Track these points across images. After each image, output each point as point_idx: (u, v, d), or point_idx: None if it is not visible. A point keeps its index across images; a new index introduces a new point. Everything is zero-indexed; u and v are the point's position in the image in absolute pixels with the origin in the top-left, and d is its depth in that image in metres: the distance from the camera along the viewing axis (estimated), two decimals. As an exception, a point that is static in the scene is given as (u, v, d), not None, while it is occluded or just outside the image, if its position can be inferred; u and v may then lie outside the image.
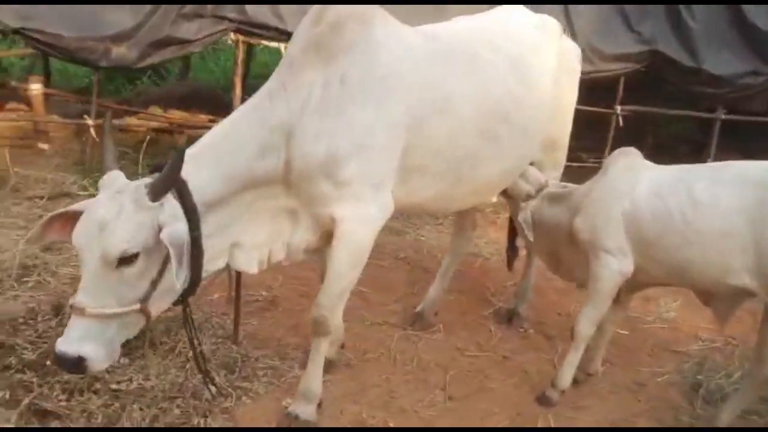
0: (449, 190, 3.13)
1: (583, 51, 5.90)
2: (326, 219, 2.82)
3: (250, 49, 7.37)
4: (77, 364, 2.36)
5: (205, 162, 2.58)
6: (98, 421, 2.78)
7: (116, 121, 6.76)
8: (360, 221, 2.83)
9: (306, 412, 3.00)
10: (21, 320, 3.30)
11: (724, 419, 3.13)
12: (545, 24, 3.52)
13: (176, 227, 2.37)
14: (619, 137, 6.91)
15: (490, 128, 3.06)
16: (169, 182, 2.38)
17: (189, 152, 2.53)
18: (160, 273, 2.45)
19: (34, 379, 2.90)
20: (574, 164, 6.81)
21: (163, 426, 2.83)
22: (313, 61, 2.71)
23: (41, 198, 5.32)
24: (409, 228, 5.75)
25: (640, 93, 7.06)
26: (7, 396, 2.77)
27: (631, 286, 3.35)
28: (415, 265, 5.00)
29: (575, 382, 3.55)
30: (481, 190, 3.33)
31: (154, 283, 2.45)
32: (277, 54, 6.94)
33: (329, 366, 3.46)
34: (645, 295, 4.73)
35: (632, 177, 3.15)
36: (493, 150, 3.11)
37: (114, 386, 2.98)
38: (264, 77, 2.99)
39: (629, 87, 6.90)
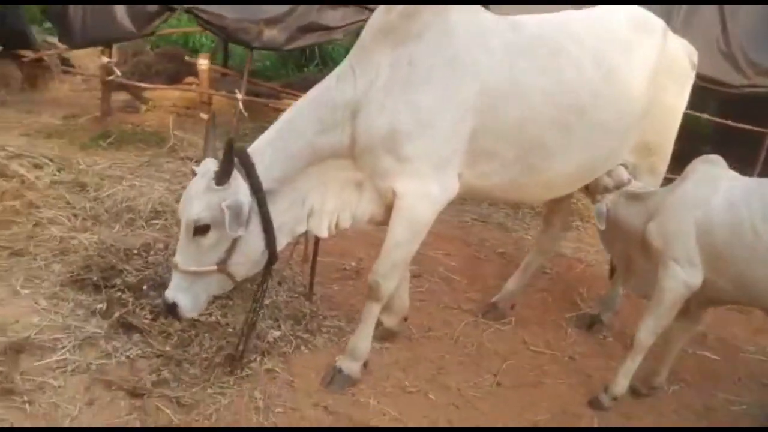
0: (520, 178, 3.20)
1: (736, 62, 5.66)
2: (388, 192, 3.03)
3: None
4: (171, 309, 2.86)
5: (272, 145, 2.94)
6: (173, 341, 3.19)
7: (274, 103, 7.37)
8: (419, 197, 3.00)
9: (350, 368, 3.22)
10: (135, 251, 3.83)
11: None
12: (644, 23, 3.41)
13: (235, 199, 2.76)
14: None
15: (563, 119, 3.09)
16: (223, 170, 2.77)
17: (262, 137, 2.96)
18: (234, 243, 2.86)
19: (131, 299, 3.37)
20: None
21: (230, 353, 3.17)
22: (383, 46, 2.92)
23: (191, 159, 5.97)
24: (517, 226, 5.76)
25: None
26: (104, 308, 3.27)
27: (702, 300, 3.20)
28: (512, 261, 5.00)
29: (637, 394, 3.48)
30: (554, 182, 3.35)
31: (229, 252, 2.86)
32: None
33: (390, 335, 3.69)
34: (757, 325, 4.48)
35: (710, 186, 3.03)
36: (565, 141, 3.14)
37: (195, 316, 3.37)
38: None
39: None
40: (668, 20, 5.61)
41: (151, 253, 3.87)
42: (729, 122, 6.52)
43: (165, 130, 6.66)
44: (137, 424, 2.71)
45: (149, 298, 3.40)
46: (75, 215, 4.29)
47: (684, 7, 5.83)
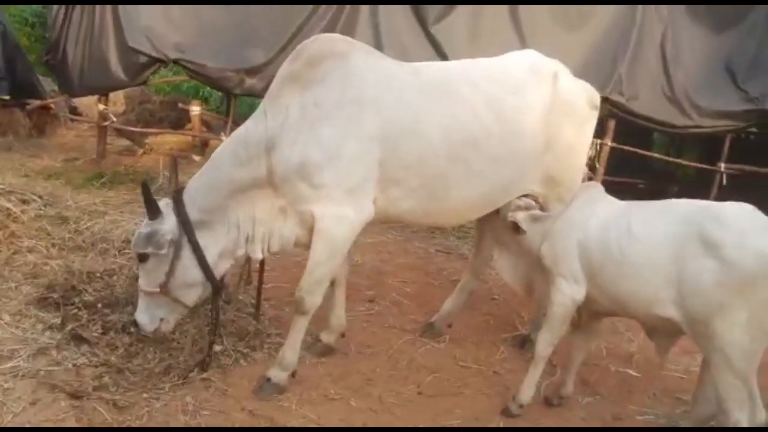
0: (425, 205, 3.57)
1: (680, 105, 6.01)
2: (308, 216, 3.42)
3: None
4: (136, 325, 3.45)
5: (199, 180, 3.46)
6: (119, 352, 3.55)
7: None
8: (335, 219, 3.39)
9: (278, 376, 3.54)
10: (98, 274, 4.23)
11: None
12: (537, 70, 3.78)
13: (159, 231, 3.34)
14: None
15: (459, 153, 3.47)
16: (149, 208, 3.36)
17: (195, 175, 3.50)
18: (172, 268, 3.36)
19: (85, 315, 3.76)
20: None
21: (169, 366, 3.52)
22: (291, 90, 3.37)
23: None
24: (478, 258, 6.05)
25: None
26: (59, 322, 3.65)
27: (590, 313, 3.49)
28: (464, 289, 5.31)
29: (549, 404, 3.74)
30: (459, 208, 3.70)
31: (168, 275, 3.36)
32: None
33: (327, 351, 4.02)
34: (686, 347, 4.70)
35: (589, 209, 3.35)
36: (464, 172, 3.51)
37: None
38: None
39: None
40: (613, 68, 6.07)
41: (114, 277, 4.27)
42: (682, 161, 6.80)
43: (158, 171, 7.15)
44: (73, 423, 3.05)
45: (102, 315, 3.78)
46: (53, 245, 4.73)
47: (628, 55, 6.22)
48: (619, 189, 7.40)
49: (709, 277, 2.80)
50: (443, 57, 6.19)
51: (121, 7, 6.36)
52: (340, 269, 3.99)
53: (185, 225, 3.37)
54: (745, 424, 2.78)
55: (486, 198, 3.68)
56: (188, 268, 3.42)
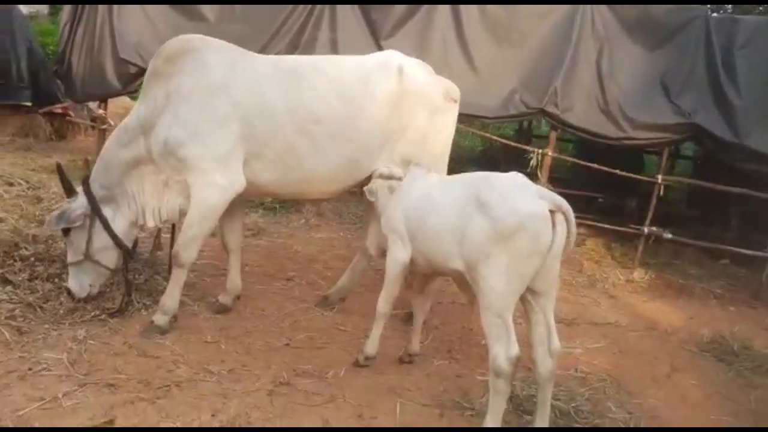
0: (282, 175, 4.21)
1: (613, 118, 6.44)
2: (184, 185, 4.12)
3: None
4: (68, 292, 4.21)
5: (97, 163, 4.27)
6: (37, 295, 4.26)
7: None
8: (205, 185, 4.08)
9: (160, 320, 4.19)
10: (43, 238, 4.97)
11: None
12: (384, 64, 4.37)
13: (69, 208, 4.13)
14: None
15: (304, 128, 4.12)
16: (64, 188, 4.23)
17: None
18: (89, 237, 4.16)
19: (18, 265, 4.51)
20: (611, 227, 7.11)
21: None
22: (157, 83, 4.13)
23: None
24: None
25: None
26: (-5, 269, 4.43)
27: (419, 276, 4.01)
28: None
29: (401, 361, 4.24)
30: (313, 180, 4.30)
31: (87, 244, 4.14)
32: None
33: (224, 309, 4.68)
34: (572, 332, 5.12)
35: (413, 184, 3.89)
36: (310, 145, 4.14)
37: (63, 282, 4.44)
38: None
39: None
40: (549, 82, 6.55)
41: (52, 242, 4.99)
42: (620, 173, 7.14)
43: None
44: (-20, 339, 3.77)
45: (32, 266, 4.54)
46: (21, 217, 5.53)
47: (563, 70, 6.69)
48: (578, 202, 7.86)
49: (480, 231, 3.27)
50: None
51: (116, 23, 7.25)
52: (234, 240, 4.66)
53: (91, 200, 4.16)
54: (502, 357, 3.23)
55: (337, 171, 4.27)
56: (101, 236, 4.21)
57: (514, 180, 3.43)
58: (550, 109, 6.76)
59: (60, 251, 4.76)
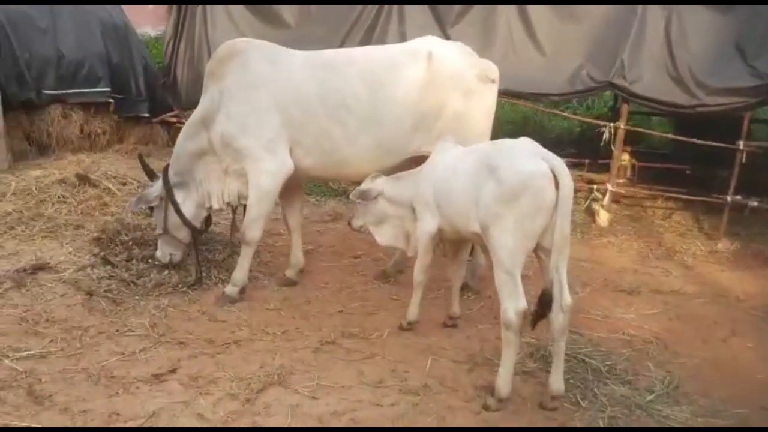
0: (321, 159, 4.66)
1: (684, 86, 6.39)
2: (242, 172, 4.67)
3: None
4: (156, 259, 4.97)
5: (173, 152, 4.91)
6: (131, 272, 4.98)
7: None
8: (258, 171, 4.61)
9: (231, 291, 4.77)
10: (142, 226, 5.73)
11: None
12: (413, 49, 4.66)
13: (147, 192, 4.89)
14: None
15: (335, 114, 4.52)
16: (147, 174, 5.01)
17: None
18: (165, 216, 4.87)
19: (119, 248, 5.28)
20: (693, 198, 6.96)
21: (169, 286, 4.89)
22: (212, 83, 4.70)
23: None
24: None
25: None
26: (98, 250, 5.21)
27: (449, 244, 4.30)
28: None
29: (445, 325, 4.56)
30: (350, 162, 4.68)
31: (165, 221, 4.86)
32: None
33: (289, 282, 5.19)
34: (631, 299, 5.18)
35: (440, 156, 4.16)
36: (341, 131, 4.54)
37: (155, 262, 5.15)
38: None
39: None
40: (615, 55, 6.56)
41: (152, 228, 5.74)
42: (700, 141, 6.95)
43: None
44: (82, 308, 4.49)
45: (130, 249, 5.28)
46: (132, 212, 6.36)
47: (629, 42, 6.64)
48: (666, 176, 7.72)
49: (491, 193, 3.50)
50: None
51: (210, 34, 8.03)
52: (294, 220, 5.17)
53: (166, 185, 4.84)
54: (511, 311, 3.46)
55: (371, 154, 4.63)
56: (173, 216, 4.90)
57: (520, 145, 3.65)
58: (618, 81, 6.73)
59: (154, 237, 5.48)
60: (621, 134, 7.02)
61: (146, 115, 9.82)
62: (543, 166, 3.44)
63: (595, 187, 7.48)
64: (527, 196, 3.41)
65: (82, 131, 8.92)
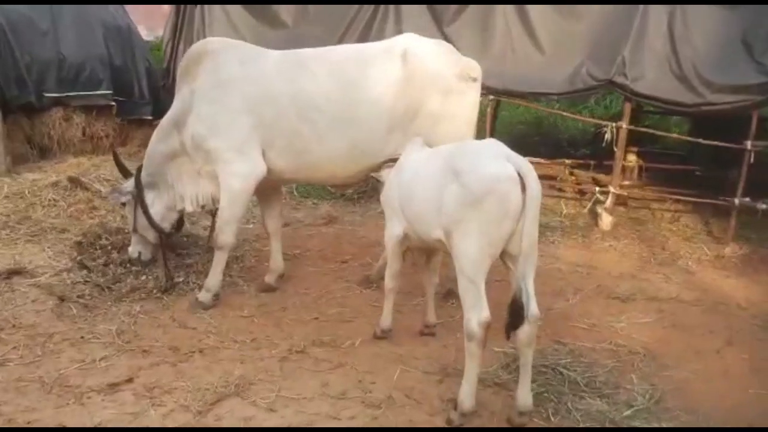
0: (294, 161, 4.52)
1: (689, 83, 6.14)
2: (214, 174, 4.56)
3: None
4: (131, 258, 4.91)
5: (146, 152, 4.80)
6: (107, 277, 4.90)
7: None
8: (230, 174, 4.50)
9: (203, 297, 4.66)
10: (125, 230, 5.64)
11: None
12: (389, 48, 4.50)
13: (122, 187, 4.85)
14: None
15: (305, 114, 4.37)
16: (119, 169, 4.96)
17: None
18: (135, 216, 4.84)
19: (98, 252, 5.20)
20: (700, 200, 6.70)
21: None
22: (184, 82, 4.60)
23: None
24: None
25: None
26: (76, 255, 5.14)
27: (419, 251, 4.15)
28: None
29: (421, 333, 4.38)
30: (323, 164, 4.54)
31: (134, 220, 4.83)
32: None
33: (268, 288, 5.05)
34: (624, 307, 4.96)
35: (406, 157, 4.00)
36: (313, 130, 4.39)
37: (133, 266, 5.07)
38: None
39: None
40: (617, 50, 6.34)
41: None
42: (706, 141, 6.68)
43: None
44: (51, 314, 4.41)
45: (108, 253, 5.20)
46: (122, 216, 6.29)
47: (631, 38, 6.39)
48: (678, 177, 7.45)
49: (453, 198, 3.32)
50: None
51: (209, 36, 7.96)
52: (273, 224, 5.05)
53: (137, 185, 4.78)
54: (473, 321, 3.27)
55: (343, 155, 4.47)
56: (141, 217, 4.84)
57: (485, 147, 3.47)
58: (619, 79, 6.48)
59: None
60: (623, 134, 6.76)
61: (150, 117, 9.77)
62: (508, 168, 3.25)
63: (597, 189, 7.22)
64: (491, 200, 3.22)
65: (84, 134, 8.92)
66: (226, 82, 4.46)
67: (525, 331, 3.33)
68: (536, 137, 11.43)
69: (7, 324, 4.22)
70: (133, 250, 5.02)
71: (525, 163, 3.28)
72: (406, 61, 4.40)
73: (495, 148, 3.43)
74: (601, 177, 8.20)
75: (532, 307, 3.32)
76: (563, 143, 10.95)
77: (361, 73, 4.40)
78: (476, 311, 3.29)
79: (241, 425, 3.30)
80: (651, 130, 7.06)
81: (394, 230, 3.99)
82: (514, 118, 12.34)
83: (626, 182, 7.45)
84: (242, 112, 4.41)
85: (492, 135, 9.01)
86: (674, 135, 6.59)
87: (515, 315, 3.31)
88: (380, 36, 7.21)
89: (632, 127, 6.87)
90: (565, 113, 8.39)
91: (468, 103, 4.59)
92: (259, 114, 4.41)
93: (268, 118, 4.41)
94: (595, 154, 8.56)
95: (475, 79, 4.59)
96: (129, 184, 4.86)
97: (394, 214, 4.00)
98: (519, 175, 3.22)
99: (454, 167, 3.40)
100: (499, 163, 3.28)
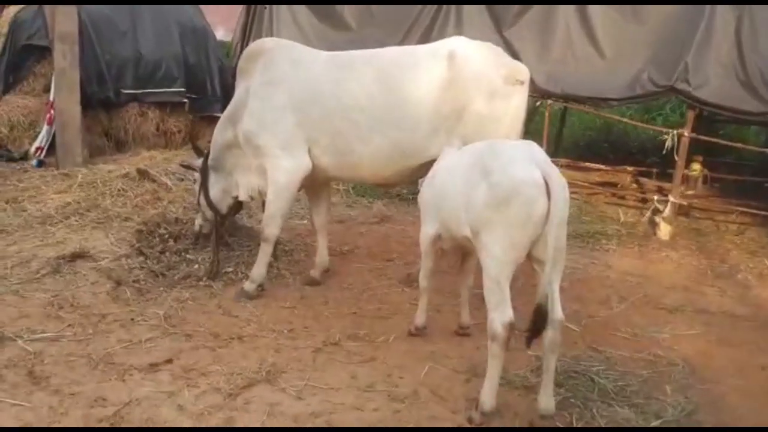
0: (337, 159, 4.65)
1: (755, 92, 5.98)
2: (262, 168, 4.73)
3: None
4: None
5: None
6: (162, 264, 5.16)
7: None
8: (277, 168, 4.68)
9: (248, 287, 4.84)
10: (183, 220, 5.91)
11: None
12: (435, 50, 4.54)
13: (196, 161, 5.14)
14: None
15: (349, 115, 4.48)
16: (194, 149, 5.24)
17: None
18: (199, 191, 5.12)
19: (156, 240, 5.47)
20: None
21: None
22: (241, 79, 4.82)
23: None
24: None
25: None
26: (135, 241, 5.43)
27: (453, 252, 4.20)
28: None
29: (456, 333, 4.42)
30: (365, 163, 4.63)
31: (198, 195, 5.12)
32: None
33: (313, 282, 5.21)
34: (670, 318, 4.86)
35: (441, 163, 4.05)
36: (356, 131, 4.50)
37: (188, 255, 5.33)
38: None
39: None
40: (679, 58, 6.19)
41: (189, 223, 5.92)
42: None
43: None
44: (107, 297, 4.70)
45: (165, 241, 5.47)
46: (184, 207, 6.59)
47: (695, 44, 6.21)
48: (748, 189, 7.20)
49: (481, 198, 3.34)
50: (514, 56, 6.84)
51: (276, 37, 8.23)
52: (320, 220, 5.20)
53: (203, 164, 5.11)
54: (497, 322, 3.30)
55: (386, 155, 4.55)
56: (202, 197, 5.12)
57: (517, 148, 3.48)
58: (681, 86, 6.32)
59: (190, 232, 5.64)
60: (685, 142, 6.56)
61: (220, 114, 10.13)
62: (535, 173, 3.25)
63: (656, 197, 7.03)
64: (516, 204, 3.24)
65: (157, 129, 9.40)
66: (275, 80, 4.64)
67: (549, 336, 3.33)
68: (605, 144, 11.21)
69: (66, 303, 4.52)
70: (197, 223, 5.37)
71: (553, 170, 3.28)
72: (451, 63, 4.44)
73: (527, 150, 3.43)
74: (666, 186, 7.97)
75: (557, 312, 3.32)
76: (632, 150, 10.71)
77: (405, 74, 4.48)
78: (500, 312, 3.31)
79: (266, 410, 3.43)
80: (715, 139, 6.82)
81: (428, 230, 4.05)
82: (582, 123, 12.13)
83: (689, 192, 7.22)
84: (288, 109, 4.58)
85: (559, 140, 8.93)
86: (739, 145, 6.32)
87: (539, 320, 3.32)
88: (441, 37, 7.18)
89: (694, 135, 6.65)
90: (624, 119, 8.18)
91: (514, 106, 4.58)
92: (304, 112, 4.57)
93: (313, 116, 4.56)
94: (663, 162, 8.33)
95: (522, 83, 4.58)
96: (199, 161, 5.19)
97: (428, 215, 4.06)
98: (545, 181, 3.22)
99: (485, 166, 3.42)
100: (527, 167, 3.29)
